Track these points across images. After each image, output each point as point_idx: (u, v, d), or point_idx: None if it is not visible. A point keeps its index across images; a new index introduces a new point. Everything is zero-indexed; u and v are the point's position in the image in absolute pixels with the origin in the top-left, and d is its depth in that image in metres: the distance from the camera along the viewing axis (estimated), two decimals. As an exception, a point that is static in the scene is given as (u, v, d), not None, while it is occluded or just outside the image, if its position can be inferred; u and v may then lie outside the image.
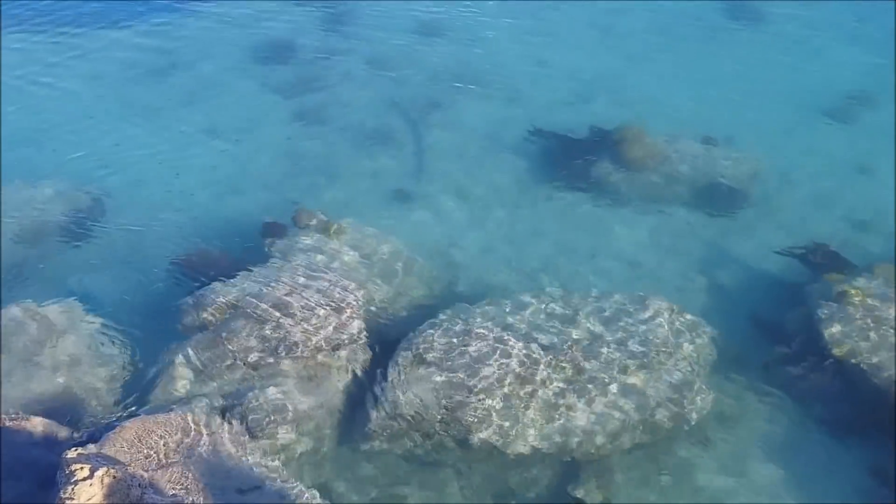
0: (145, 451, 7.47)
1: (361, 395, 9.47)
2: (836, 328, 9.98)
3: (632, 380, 9.54)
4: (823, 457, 9.48)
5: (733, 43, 17.33)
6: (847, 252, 11.39)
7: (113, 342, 9.93)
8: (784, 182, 13.52)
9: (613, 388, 9.45)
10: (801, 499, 9.03)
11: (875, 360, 9.63)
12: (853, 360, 9.69)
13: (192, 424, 8.00)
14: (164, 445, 7.60)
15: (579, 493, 8.92)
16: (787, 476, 9.27)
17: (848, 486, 9.13)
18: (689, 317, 10.49)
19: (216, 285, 10.22)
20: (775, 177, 13.57)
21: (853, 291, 10.24)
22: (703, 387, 9.79)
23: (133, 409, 8.82)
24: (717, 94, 15.73)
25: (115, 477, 6.50)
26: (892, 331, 9.84)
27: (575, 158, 13.76)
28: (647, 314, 10.27)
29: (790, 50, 17.08)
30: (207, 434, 8.06)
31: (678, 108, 15.31)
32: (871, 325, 9.94)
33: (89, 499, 6.31)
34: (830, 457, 9.48)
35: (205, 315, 9.79)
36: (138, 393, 9.16)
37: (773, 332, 10.78)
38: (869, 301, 10.16)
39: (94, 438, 7.71)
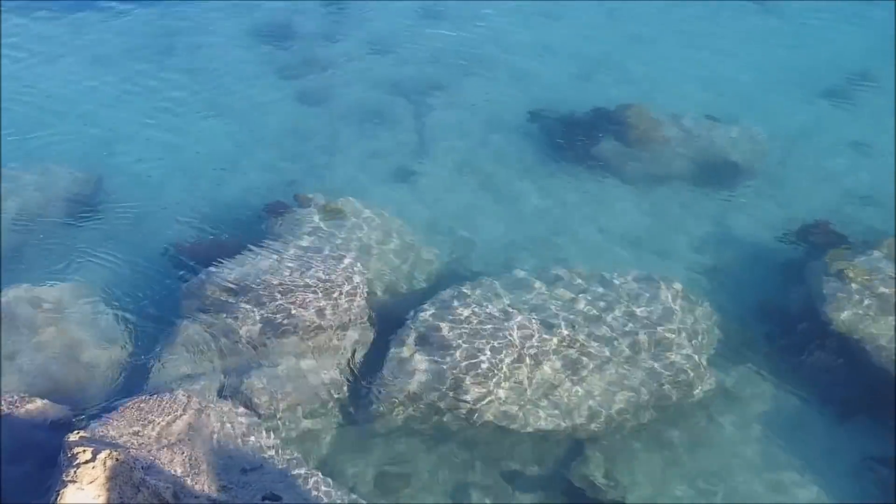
0: (147, 433, 7.49)
1: (365, 374, 9.47)
2: (837, 305, 9.95)
3: (635, 358, 9.55)
4: (824, 436, 9.48)
5: (736, 22, 17.28)
6: (848, 229, 11.39)
7: (113, 323, 9.91)
8: (786, 160, 13.50)
9: (617, 366, 9.46)
10: (801, 478, 9.03)
11: (877, 337, 9.61)
12: (855, 338, 9.67)
13: (194, 405, 8.00)
14: (165, 426, 7.61)
15: (584, 471, 8.92)
16: (789, 455, 9.27)
17: (849, 465, 9.14)
18: (692, 295, 10.49)
19: (217, 266, 10.20)
20: (777, 155, 13.56)
21: (854, 268, 10.20)
22: (707, 365, 9.80)
23: (134, 390, 8.82)
24: (720, 73, 15.71)
25: (117, 459, 6.53)
26: (893, 308, 9.80)
27: (578, 137, 13.72)
28: (651, 293, 10.27)
29: (793, 29, 17.05)
30: (209, 414, 8.07)
31: (681, 86, 15.28)
32: (873, 301, 9.92)
33: (92, 481, 6.33)
34: (831, 436, 9.48)
35: (206, 296, 9.78)
36: (140, 374, 9.16)
37: (776, 310, 10.76)
38: (870, 278, 10.12)
39: (95, 420, 7.71)
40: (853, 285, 10.11)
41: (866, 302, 9.94)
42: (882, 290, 10.01)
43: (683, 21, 17.30)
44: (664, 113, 13.95)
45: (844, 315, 9.87)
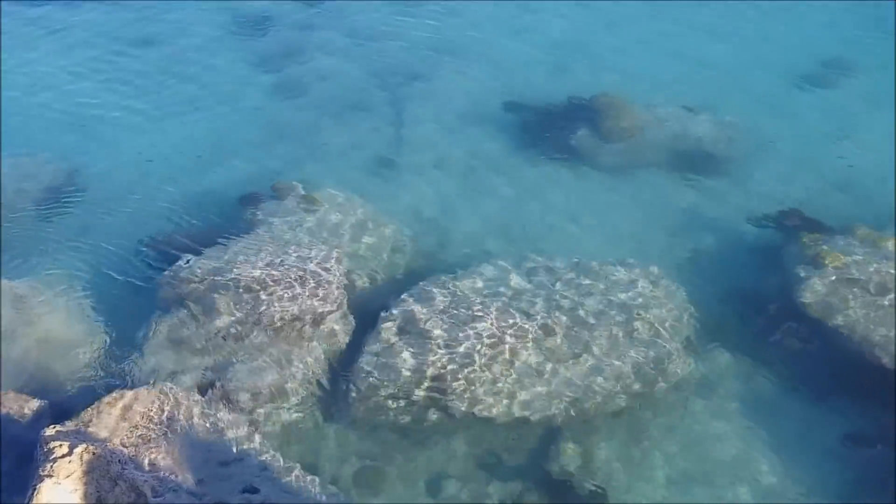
0: (125, 427, 7.46)
1: (343, 366, 9.48)
2: (812, 291, 10.05)
3: (613, 345, 9.60)
4: (800, 417, 9.57)
5: (713, 10, 17.31)
6: (824, 215, 11.44)
7: (89, 317, 9.87)
8: (761, 147, 13.58)
9: (594, 353, 9.51)
10: (778, 460, 9.12)
11: (851, 322, 9.71)
12: (829, 323, 9.76)
13: (171, 398, 7.98)
14: (143, 420, 7.59)
15: (561, 459, 8.98)
16: (767, 438, 9.35)
17: (823, 448, 9.23)
18: (668, 282, 10.55)
19: (194, 258, 10.17)
20: (753, 142, 13.63)
21: (829, 254, 10.30)
22: (683, 351, 9.86)
23: (112, 384, 8.78)
24: (695, 61, 15.80)
25: (94, 453, 6.50)
26: (868, 293, 9.91)
27: (555, 127, 13.77)
28: (627, 280, 10.33)
29: (768, 17, 17.09)
30: (187, 408, 8.05)
31: (657, 75, 15.35)
32: (848, 287, 10.01)
33: (69, 476, 6.31)
34: (808, 418, 9.56)
35: (183, 288, 9.74)
36: (117, 368, 9.12)
37: (752, 296, 10.84)
38: (845, 264, 10.22)
39: (72, 415, 7.67)
40: (828, 270, 10.19)
41: (841, 286, 10.03)
42: (856, 274, 10.10)
43: (656, 10, 17.33)
44: (639, 102, 14.01)
45: (819, 299, 9.96)
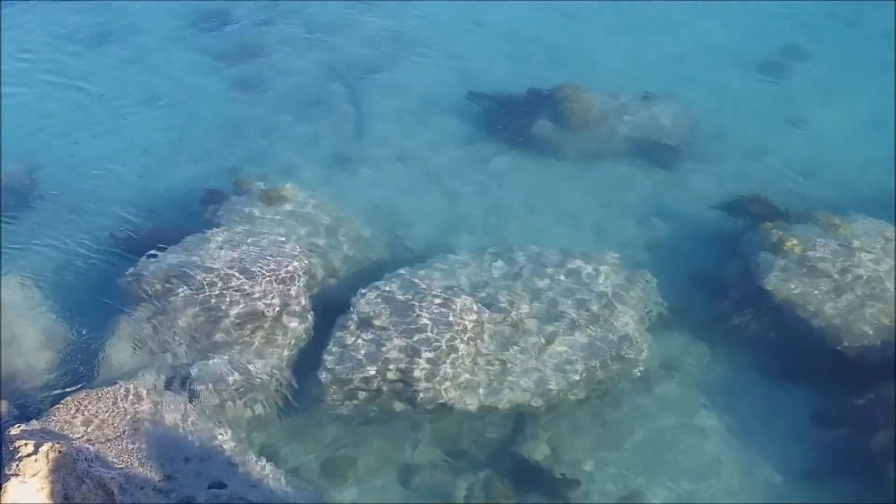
0: (91, 425, 7.39)
1: (309, 360, 9.43)
2: (773, 276, 10.18)
3: (576, 334, 9.67)
4: (765, 403, 9.70)
5: (671, 1, 17.42)
6: (783, 201, 11.59)
7: (53, 316, 9.73)
8: (720, 135, 13.75)
9: (558, 342, 9.56)
10: (743, 444, 9.26)
11: (812, 307, 9.85)
12: (790, 308, 9.90)
13: (135, 396, 7.90)
14: (109, 418, 7.51)
15: (529, 448, 9.03)
16: (731, 423, 9.48)
17: (789, 430, 9.38)
18: (631, 270, 10.65)
19: (157, 256, 10.04)
20: (712, 130, 13.80)
21: (789, 240, 10.44)
22: (647, 339, 9.95)
23: (77, 382, 8.68)
24: (655, 51, 15.92)
25: (60, 451, 6.44)
26: (828, 278, 10.07)
27: (515, 118, 13.79)
28: (590, 269, 10.39)
29: (725, 6, 17.27)
30: (153, 405, 7.97)
31: (616, 65, 15.46)
32: (808, 272, 10.16)
33: (34, 474, 6.24)
34: (772, 403, 9.71)
35: (146, 286, 9.62)
36: (82, 367, 9.00)
37: (714, 282, 10.97)
38: (805, 249, 10.37)
39: (38, 414, 7.59)
40: (788, 256, 10.34)
41: (802, 271, 10.18)
42: (817, 260, 10.25)
43: (615, 1, 17.45)
44: (600, 91, 14.06)
45: (780, 285, 10.09)
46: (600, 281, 10.25)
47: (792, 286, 10.06)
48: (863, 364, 9.43)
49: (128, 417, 7.66)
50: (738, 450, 9.22)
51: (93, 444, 7.04)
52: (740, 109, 14.34)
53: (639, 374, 9.72)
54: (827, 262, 10.23)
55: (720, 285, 10.87)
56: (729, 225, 11.68)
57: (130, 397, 7.89)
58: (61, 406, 7.56)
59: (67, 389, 8.47)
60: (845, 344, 9.54)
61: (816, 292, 9.98)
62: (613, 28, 16.54)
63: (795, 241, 10.43)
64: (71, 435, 7.13)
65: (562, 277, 10.23)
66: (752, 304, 10.37)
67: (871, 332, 9.56)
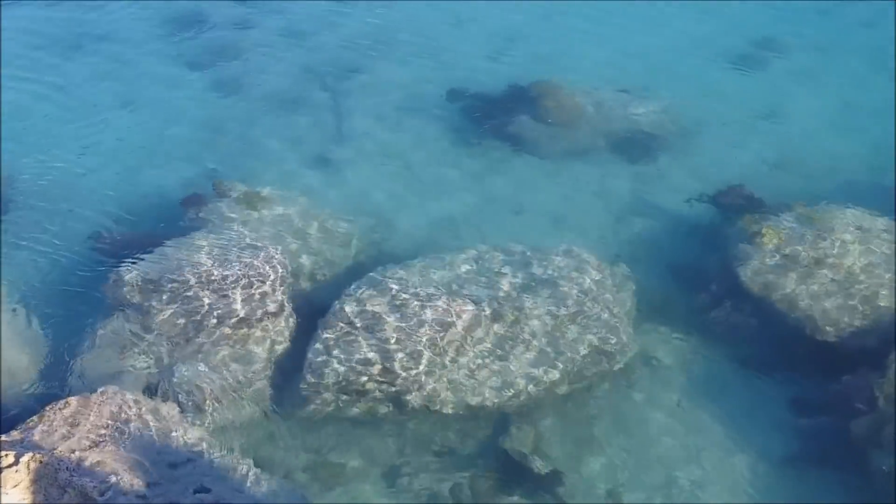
0: (71, 433, 7.35)
1: (293, 362, 9.43)
2: (750, 268, 10.25)
3: (559, 330, 9.69)
4: (746, 393, 9.77)
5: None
6: (761, 193, 11.66)
7: (33, 323, 9.71)
8: (698, 128, 13.81)
9: (541, 339, 9.59)
10: (725, 436, 9.32)
11: (790, 297, 9.93)
12: (769, 299, 9.98)
13: (117, 402, 7.87)
14: (90, 426, 7.48)
15: (512, 445, 9.06)
16: (713, 414, 9.54)
17: (769, 420, 9.45)
18: (613, 265, 10.71)
19: (137, 261, 10.02)
20: (690, 124, 13.85)
21: (768, 232, 10.51)
22: (629, 334, 10.01)
23: (56, 391, 8.66)
24: (631, 46, 15.97)
25: (41, 462, 6.43)
26: (805, 268, 10.15)
27: (495, 115, 13.82)
28: (573, 265, 10.41)
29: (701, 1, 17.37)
30: (136, 412, 7.96)
31: (594, 61, 15.49)
32: (785, 262, 10.24)
33: (15, 485, 6.22)
34: (753, 393, 9.77)
35: (127, 292, 9.61)
36: (63, 374, 8.98)
37: (694, 275, 11.01)
38: (782, 240, 10.44)
39: (17, 424, 7.55)
40: (766, 247, 10.41)
41: (779, 263, 10.26)
42: (794, 251, 10.33)
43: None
44: (578, 88, 14.13)
45: (758, 276, 10.17)
46: (583, 277, 10.27)
47: (769, 277, 10.13)
48: (841, 352, 9.53)
49: (110, 424, 7.63)
50: (720, 440, 9.28)
51: (75, 453, 7.01)
52: (717, 102, 14.41)
53: (620, 368, 9.78)
54: (803, 252, 10.30)
55: (700, 278, 10.92)
56: (707, 218, 11.77)
57: (112, 404, 7.87)
58: (42, 415, 7.52)
59: (48, 398, 8.43)
60: (823, 332, 9.63)
61: (793, 282, 10.05)
62: (591, 24, 16.57)
63: (772, 233, 10.51)
64: (52, 444, 7.10)
65: (545, 274, 10.25)
66: (730, 296, 10.43)
67: (847, 320, 9.65)
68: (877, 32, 16.29)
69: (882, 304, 9.73)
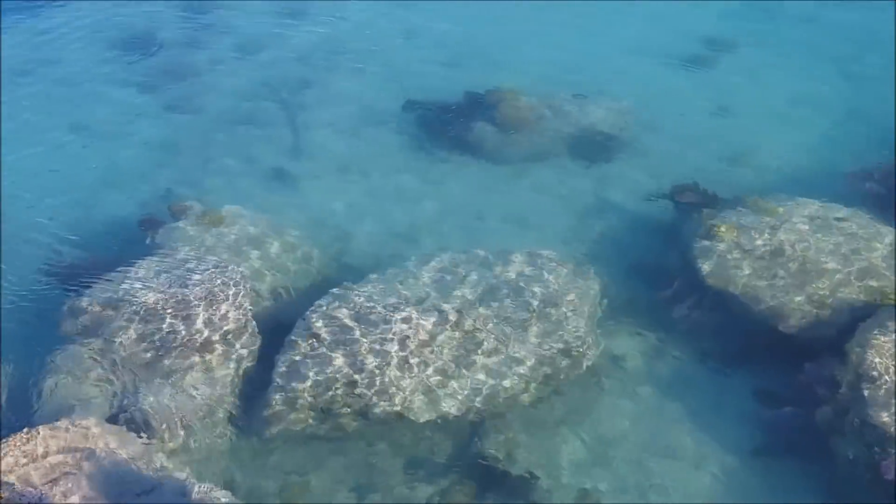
0: (34, 467, 7.22)
1: (257, 382, 9.33)
2: (709, 263, 10.34)
3: (524, 334, 9.70)
4: (712, 388, 9.85)
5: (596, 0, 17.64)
6: (716, 188, 11.77)
7: (-9, 356, 9.54)
8: (653, 128, 13.94)
9: (508, 344, 9.59)
10: (691, 432, 9.37)
11: (750, 290, 10.03)
12: (729, 293, 10.06)
13: (79, 433, 7.73)
14: (52, 458, 7.35)
15: (484, 451, 9.04)
16: (680, 410, 9.59)
17: (736, 413, 9.53)
18: (574, 267, 10.70)
19: (94, 286, 9.87)
20: (645, 124, 13.99)
21: (724, 226, 10.62)
22: (595, 334, 10.05)
23: (18, 423, 8.45)
24: (585, 50, 16.14)
25: (1, 498, 6.28)
26: (763, 260, 10.26)
27: (452, 124, 13.87)
28: (536, 268, 10.44)
29: (650, 2, 17.54)
30: (100, 440, 7.82)
31: (549, 66, 15.59)
32: (743, 256, 10.34)
33: (-24, 522, 6.09)
34: (719, 387, 9.86)
35: (85, 319, 9.46)
36: (21, 405, 8.78)
37: (657, 273, 11.11)
38: (739, 234, 10.55)
39: (-23, 459, 7.39)
40: (724, 242, 10.51)
41: (737, 256, 10.36)
42: (751, 244, 10.44)
43: (542, 3, 17.61)
44: (534, 93, 14.22)
45: (717, 270, 10.26)
46: (545, 279, 10.30)
47: (728, 271, 10.23)
48: (802, 341, 9.62)
49: (73, 455, 7.50)
50: (689, 436, 9.33)
51: (37, 487, 6.89)
52: (670, 101, 14.59)
53: (587, 369, 9.80)
54: (761, 244, 10.42)
55: (662, 275, 11.02)
56: (667, 215, 11.87)
57: (75, 434, 7.73)
58: (2, 447, 7.36)
59: (8, 430, 8.24)
60: (783, 323, 9.72)
61: (752, 275, 10.15)
62: (542, 31, 16.69)
63: (730, 227, 10.61)
64: (13, 479, 6.96)
65: (508, 279, 10.27)
66: (692, 291, 10.52)
67: (808, 309, 9.76)
68: (816, 27, 16.74)
69: (840, 292, 9.86)
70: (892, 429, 8.13)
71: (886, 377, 8.48)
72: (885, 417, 8.22)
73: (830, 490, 8.57)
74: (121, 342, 9.20)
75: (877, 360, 8.62)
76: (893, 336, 8.85)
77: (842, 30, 16.59)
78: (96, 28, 17.00)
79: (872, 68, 15.31)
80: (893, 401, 8.31)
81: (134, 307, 9.48)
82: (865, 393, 8.47)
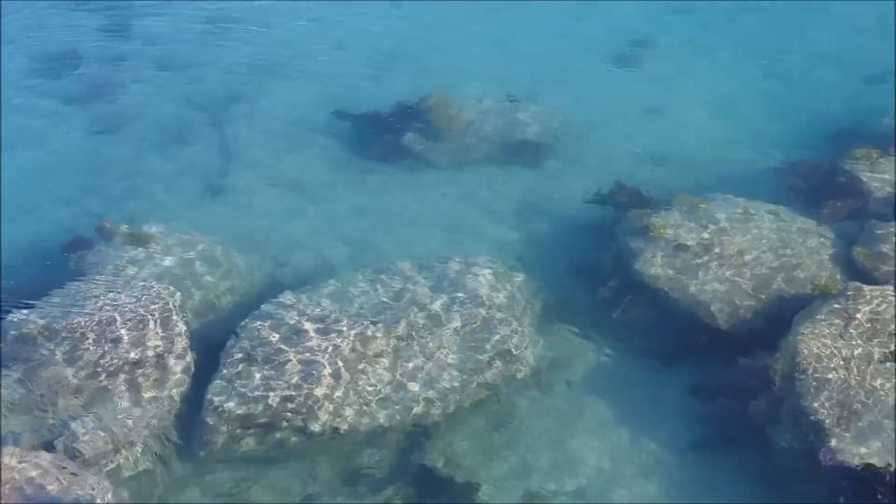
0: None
1: (193, 402, 9.16)
2: (643, 261, 10.45)
3: (464, 341, 9.70)
4: (650, 385, 9.97)
5: (525, 5, 17.74)
6: (648, 187, 11.93)
7: None
8: (583, 130, 14.09)
9: (445, 351, 9.58)
10: (631, 429, 9.48)
11: (682, 285, 10.16)
12: (663, 290, 10.19)
13: (13, 462, 7.52)
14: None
15: (426, 458, 9.00)
16: (620, 409, 9.69)
17: (674, 408, 9.66)
18: (510, 270, 10.77)
19: (22, 312, 9.59)
20: (575, 125, 14.12)
21: (656, 224, 10.75)
22: (533, 336, 10.10)
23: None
24: (515, 54, 16.26)
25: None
26: (694, 257, 10.41)
27: (384, 133, 13.83)
28: (471, 274, 10.44)
29: (576, 7, 17.71)
30: (32, 469, 7.61)
31: (479, 71, 15.67)
32: (676, 253, 10.47)
33: None
34: (656, 384, 9.99)
35: (14, 346, 9.19)
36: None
37: (593, 273, 11.21)
38: (670, 232, 10.69)
39: None
40: (656, 240, 10.63)
41: (669, 254, 10.49)
42: (682, 241, 10.57)
43: (471, 9, 17.68)
44: (464, 99, 14.27)
45: (651, 269, 10.37)
46: (482, 284, 10.32)
47: (661, 269, 10.35)
48: (735, 335, 9.80)
49: (9, 486, 7.28)
50: (629, 435, 9.43)
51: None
52: (601, 102, 14.76)
53: (526, 372, 9.85)
54: (692, 241, 10.56)
55: (598, 275, 11.13)
56: (601, 216, 11.96)
57: (7, 464, 7.50)
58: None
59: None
60: (716, 318, 9.88)
61: (684, 272, 10.29)
62: (472, 37, 16.79)
63: (661, 225, 10.74)
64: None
65: (444, 285, 10.25)
66: (629, 290, 10.66)
67: (738, 303, 9.93)
68: (739, 26, 17.09)
69: (771, 286, 10.04)
70: (827, 417, 8.29)
71: (818, 366, 8.64)
72: (818, 406, 8.38)
73: (768, 479, 8.71)
74: (51, 368, 8.96)
75: (809, 350, 8.77)
76: (824, 326, 9.03)
77: (766, 27, 16.95)
78: (17, 46, 16.55)
79: (796, 65, 15.67)
80: (826, 389, 8.47)
81: (63, 332, 9.25)
82: (800, 383, 8.62)
